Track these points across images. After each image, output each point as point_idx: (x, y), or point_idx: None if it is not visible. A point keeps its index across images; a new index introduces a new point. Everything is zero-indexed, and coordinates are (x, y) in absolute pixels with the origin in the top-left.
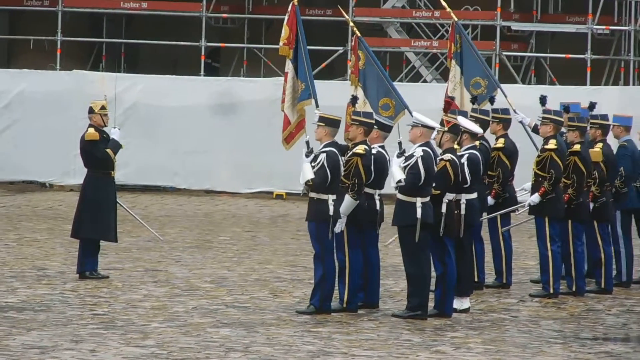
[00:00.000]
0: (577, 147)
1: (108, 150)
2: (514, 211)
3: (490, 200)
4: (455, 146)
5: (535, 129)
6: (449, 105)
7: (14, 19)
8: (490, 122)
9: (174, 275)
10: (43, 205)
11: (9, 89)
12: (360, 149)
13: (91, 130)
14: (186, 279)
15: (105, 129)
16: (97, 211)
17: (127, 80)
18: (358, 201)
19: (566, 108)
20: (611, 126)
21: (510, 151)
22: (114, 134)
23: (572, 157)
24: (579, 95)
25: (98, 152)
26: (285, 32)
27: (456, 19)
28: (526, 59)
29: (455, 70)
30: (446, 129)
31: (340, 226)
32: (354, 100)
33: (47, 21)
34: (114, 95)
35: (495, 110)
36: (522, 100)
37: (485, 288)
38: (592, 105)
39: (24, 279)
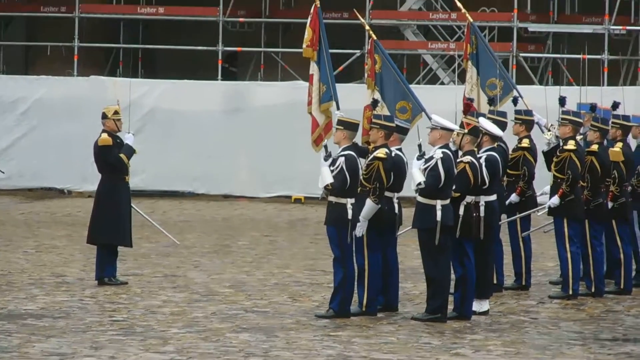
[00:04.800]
0: (594, 147)
1: (121, 155)
2: (533, 212)
3: (514, 198)
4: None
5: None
6: (469, 107)
7: (31, 25)
8: (514, 123)
9: (193, 280)
10: (62, 212)
11: (27, 96)
12: (381, 152)
13: (104, 135)
14: (205, 284)
15: (119, 134)
16: (112, 216)
17: (144, 85)
18: (379, 205)
19: (592, 107)
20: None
21: (534, 151)
22: (127, 139)
23: (589, 157)
24: (597, 96)
25: (111, 157)
26: (308, 34)
27: (471, 20)
28: (543, 60)
29: (472, 71)
30: (466, 131)
31: (361, 230)
32: (374, 103)
33: (64, 27)
34: (129, 101)
35: (518, 112)
36: (539, 101)
37: (504, 290)
38: (615, 105)
39: (43, 286)
